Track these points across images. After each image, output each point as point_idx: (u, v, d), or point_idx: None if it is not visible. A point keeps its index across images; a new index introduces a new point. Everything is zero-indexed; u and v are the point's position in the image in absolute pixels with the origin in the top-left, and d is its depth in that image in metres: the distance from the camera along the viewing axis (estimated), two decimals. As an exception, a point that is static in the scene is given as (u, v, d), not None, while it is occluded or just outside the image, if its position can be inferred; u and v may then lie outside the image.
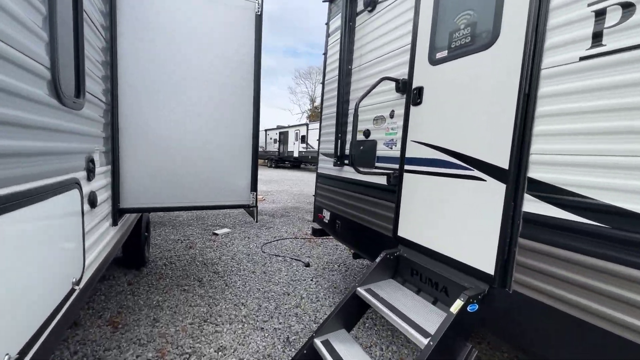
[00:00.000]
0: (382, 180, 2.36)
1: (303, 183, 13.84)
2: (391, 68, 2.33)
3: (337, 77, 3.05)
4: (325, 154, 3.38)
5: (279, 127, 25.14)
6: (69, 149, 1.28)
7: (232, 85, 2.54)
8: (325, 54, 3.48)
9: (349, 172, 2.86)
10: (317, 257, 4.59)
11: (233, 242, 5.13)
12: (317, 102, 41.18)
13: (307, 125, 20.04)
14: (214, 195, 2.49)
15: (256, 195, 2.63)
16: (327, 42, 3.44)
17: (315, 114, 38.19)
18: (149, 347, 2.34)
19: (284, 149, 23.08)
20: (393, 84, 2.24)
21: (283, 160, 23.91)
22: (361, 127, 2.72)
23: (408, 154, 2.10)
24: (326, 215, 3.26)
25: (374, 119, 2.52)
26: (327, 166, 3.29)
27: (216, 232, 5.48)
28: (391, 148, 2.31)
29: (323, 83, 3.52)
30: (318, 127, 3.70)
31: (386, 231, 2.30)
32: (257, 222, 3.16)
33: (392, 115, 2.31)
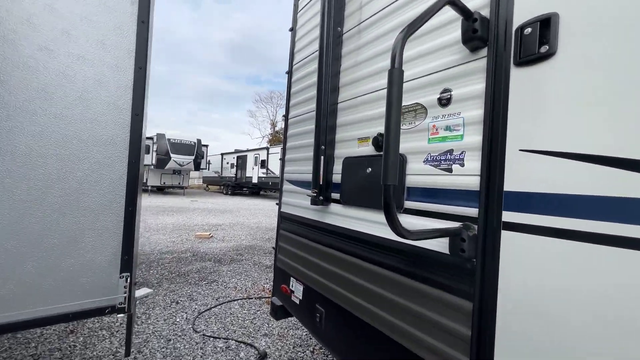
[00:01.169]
0: (430, 242, 1.06)
1: (262, 213, 12.18)
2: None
3: (316, 54, 1.81)
4: (293, 182, 2.03)
5: (236, 151, 23.37)
6: None
7: (79, 46, 1.12)
8: (293, 28, 2.26)
9: (340, 217, 1.53)
10: (279, 334, 3.07)
11: (150, 312, 3.40)
12: (279, 126, 40.07)
13: (267, 149, 18.66)
14: (29, 295, 0.95)
15: (131, 280, 1.14)
16: (296, 8, 2.23)
17: (277, 138, 37.00)
18: None
19: (242, 175, 21.26)
20: (442, 37, 1.03)
21: (241, 187, 21.96)
22: (361, 130, 1.46)
23: (512, 184, 0.85)
24: (296, 289, 1.84)
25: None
26: (296, 202, 1.93)
27: (127, 296, 3.67)
28: (449, 170, 1.04)
29: (290, 72, 2.26)
30: (280, 149, 2.39)
31: (449, 366, 0.97)
32: (128, 355, 1.57)
33: (445, 101, 1.08)
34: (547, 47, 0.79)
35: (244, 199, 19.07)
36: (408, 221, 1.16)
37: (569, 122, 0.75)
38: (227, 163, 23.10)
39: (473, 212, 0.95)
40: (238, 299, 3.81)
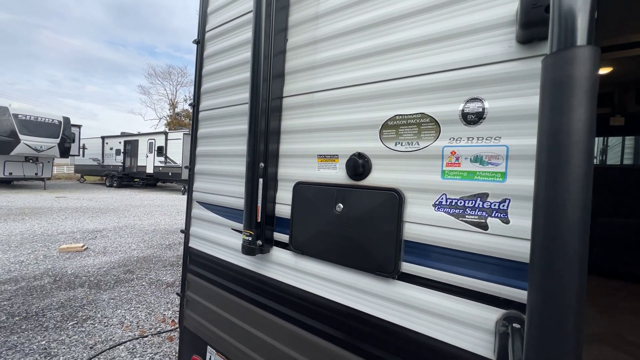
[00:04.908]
0: (463, 336, 0.69)
1: (160, 210, 10.35)
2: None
3: (247, 16, 1.20)
4: (209, 206, 1.39)
5: (124, 135, 19.37)
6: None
7: None
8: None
9: (290, 272, 1.03)
10: (188, 386, 2.37)
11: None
12: (180, 108, 35.10)
13: (165, 133, 15.99)
14: None
15: None
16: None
17: (177, 122, 32.47)
18: None
19: (133, 163, 17.80)
20: (474, 13, 0.65)
21: (131, 178, 18.40)
22: (324, 144, 0.99)
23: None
24: (218, 366, 1.27)
25: (387, 124, 0.83)
26: (216, 237, 1.32)
27: None
28: (482, 225, 0.68)
29: (202, 42, 1.55)
30: (181, 136, 1.66)
31: None
32: None
33: (474, 117, 0.70)
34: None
35: (135, 192, 15.94)
36: (407, 294, 0.77)
37: None
38: (111, 149, 18.94)
39: (520, 295, 0.61)
40: (127, 341, 2.86)
